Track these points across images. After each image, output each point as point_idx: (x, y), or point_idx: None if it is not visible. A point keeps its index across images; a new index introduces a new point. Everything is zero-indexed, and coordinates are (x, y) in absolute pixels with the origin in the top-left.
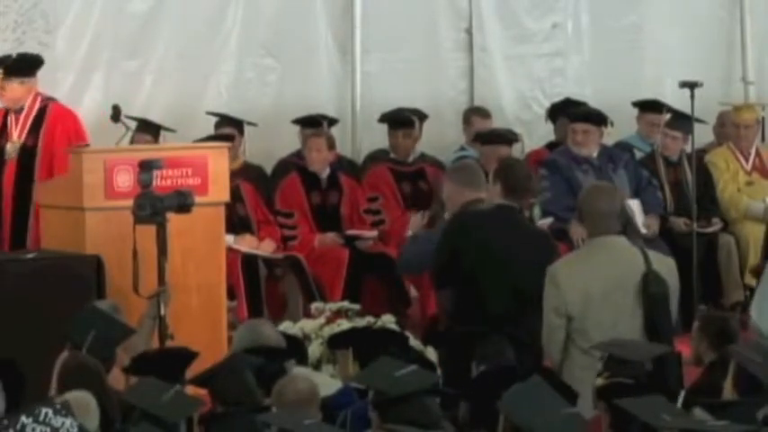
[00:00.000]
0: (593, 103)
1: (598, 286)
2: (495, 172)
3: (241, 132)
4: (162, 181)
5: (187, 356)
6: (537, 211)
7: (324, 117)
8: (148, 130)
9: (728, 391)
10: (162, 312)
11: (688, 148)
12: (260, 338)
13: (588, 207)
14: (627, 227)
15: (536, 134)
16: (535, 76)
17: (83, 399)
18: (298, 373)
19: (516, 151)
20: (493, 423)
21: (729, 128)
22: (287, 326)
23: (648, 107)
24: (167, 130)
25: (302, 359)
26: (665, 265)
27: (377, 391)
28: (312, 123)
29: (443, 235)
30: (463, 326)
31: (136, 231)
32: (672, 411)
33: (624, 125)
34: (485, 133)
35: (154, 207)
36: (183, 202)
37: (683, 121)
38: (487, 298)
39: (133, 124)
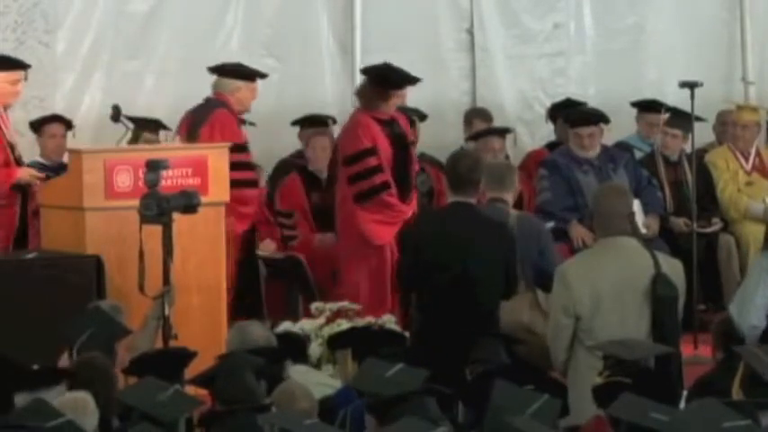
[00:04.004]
0: (595, 103)
1: (608, 287)
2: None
3: None
4: (162, 181)
5: (186, 356)
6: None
7: (328, 117)
8: (155, 129)
9: (736, 391)
10: (166, 313)
11: (688, 148)
12: (248, 339)
13: (600, 207)
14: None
15: (538, 134)
16: (537, 77)
17: (82, 399)
18: (297, 388)
19: (510, 143)
20: None
21: (729, 127)
22: (287, 326)
23: (647, 107)
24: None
25: (301, 357)
26: (673, 268)
27: (369, 393)
28: (317, 122)
29: (404, 238)
30: (430, 325)
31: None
32: (663, 410)
33: (626, 125)
34: (476, 132)
35: (160, 207)
36: (189, 203)
37: (682, 120)
38: (452, 293)
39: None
